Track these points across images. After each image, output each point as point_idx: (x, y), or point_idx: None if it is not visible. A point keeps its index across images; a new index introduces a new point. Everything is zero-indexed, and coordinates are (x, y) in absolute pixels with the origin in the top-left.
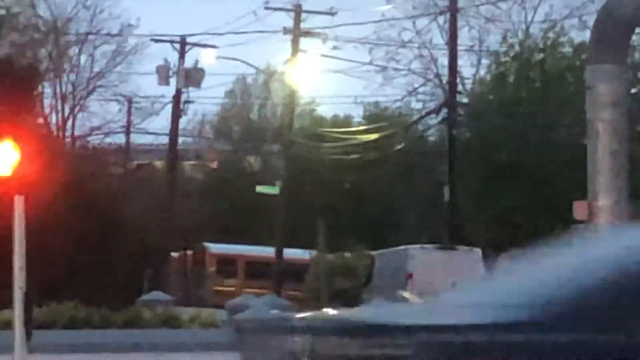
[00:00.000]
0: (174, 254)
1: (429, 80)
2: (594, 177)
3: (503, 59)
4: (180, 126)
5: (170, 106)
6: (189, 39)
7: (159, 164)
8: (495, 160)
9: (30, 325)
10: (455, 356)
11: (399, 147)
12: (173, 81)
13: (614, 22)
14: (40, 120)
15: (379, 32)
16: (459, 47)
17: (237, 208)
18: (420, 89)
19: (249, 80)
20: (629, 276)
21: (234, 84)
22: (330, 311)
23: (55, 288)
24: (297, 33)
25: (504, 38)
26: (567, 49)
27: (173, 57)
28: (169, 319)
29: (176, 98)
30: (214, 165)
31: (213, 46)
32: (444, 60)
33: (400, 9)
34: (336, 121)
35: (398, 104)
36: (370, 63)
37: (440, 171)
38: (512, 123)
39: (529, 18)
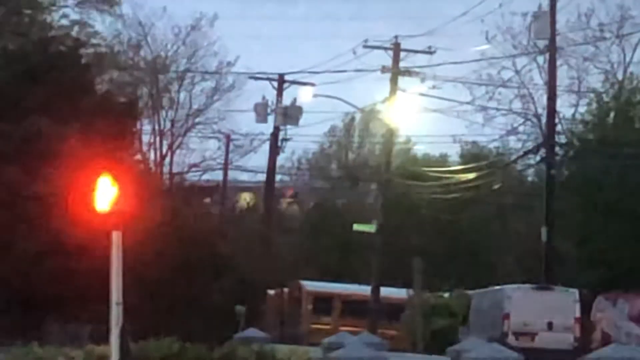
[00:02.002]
0: (270, 292)
1: (528, 119)
2: None
3: (604, 99)
4: (278, 164)
5: (268, 144)
6: (287, 77)
7: (256, 201)
8: (594, 201)
9: None
10: None
11: (496, 186)
12: (271, 119)
13: None
14: (139, 157)
15: (479, 72)
16: (557, 87)
17: (333, 246)
18: (520, 128)
19: (347, 118)
20: None
21: (333, 122)
22: None
23: (153, 324)
24: (395, 72)
25: (606, 78)
26: None
27: (271, 95)
28: (264, 357)
29: (274, 135)
30: (311, 203)
31: (311, 84)
32: (543, 100)
33: (500, 49)
34: (432, 160)
35: (496, 143)
36: (470, 102)
37: (538, 211)
38: (612, 163)
39: (628, 58)
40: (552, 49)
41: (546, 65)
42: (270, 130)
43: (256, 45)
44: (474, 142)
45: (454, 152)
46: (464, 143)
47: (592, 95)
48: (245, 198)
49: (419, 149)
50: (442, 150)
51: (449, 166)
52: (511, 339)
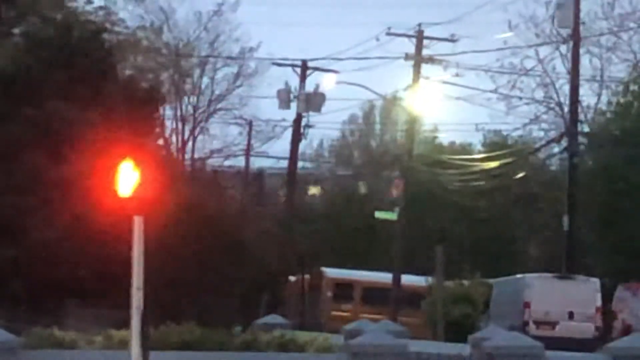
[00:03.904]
0: (292, 278)
1: (551, 108)
2: None
3: (626, 89)
4: (300, 150)
5: (290, 130)
6: (310, 63)
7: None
8: (616, 190)
9: (147, 345)
10: None
11: (519, 175)
12: (293, 105)
13: None
14: (161, 142)
15: (502, 60)
16: (580, 76)
17: (355, 233)
18: (542, 117)
19: (370, 106)
20: None
21: (355, 110)
22: None
23: (174, 309)
24: (418, 59)
25: (634, 68)
26: None
27: (294, 81)
28: (285, 343)
29: (296, 122)
30: (333, 190)
31: (334, 71)
32: (565, 89)
33: (523, 37)
34: (455, 148)
35: (519, 132)
36: (492, 91)
37: (561, 200)
38: (634, 152)
39: None
40: (575, 38)
41: (569, 54)
42: (293, 116)
43: (279, 31)
44: (497, 131)
45: (477, 141)
46: (487, 132)
47: (614, 84)
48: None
49: (444, 137)
50: (466, 138)
51: (474, 154)
52: (532, 328)
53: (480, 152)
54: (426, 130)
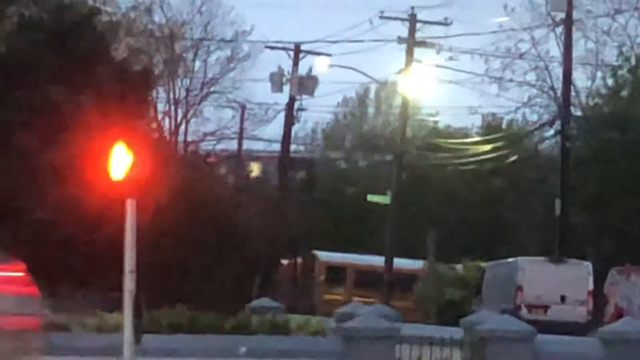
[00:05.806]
0: (284, 261)
1: (544, 92)
2: None
3: (619, 73)
4: (293, 134)
5: (283, 114)
6: (303, 47)
7: (271, 171)
8: (609, 174)
9: (139, 329)
10: None
11: (512, 158)
12: (286, 88)
13: None
14: (153, 125)
15: (497, 44)
16: (574, 60)
17: (347, 216)
18: (536, 101)
19: (363, 89)
20: None
21: (348, 93)
22: None
23: (166, 292)
24: (411, 43)
25: (621, 51)
26: None
27: (287, 65)
28: (277, 326)
29: (289, 106)
30: (325, 173)
31: (327, 54)
32: (560, 72)
33: (517, 20)
34: (451, 132)
35: (512, 115)
36: (484, 74)
37: (553, 184)
38: (627, 136)
39: None
40: (568, 21)
41: (563, 37)
42: (286, 100)
43: (272, 14)
44: (492, 114)
45: (470, 124)
46: (484, 115)
47: (608, 68)
48: (254, 169)
49: (437, 120)
50: (460, 122)
51: (470, 138)
52: (524, 312)
53: (475, 136)
54: (420, 114)
